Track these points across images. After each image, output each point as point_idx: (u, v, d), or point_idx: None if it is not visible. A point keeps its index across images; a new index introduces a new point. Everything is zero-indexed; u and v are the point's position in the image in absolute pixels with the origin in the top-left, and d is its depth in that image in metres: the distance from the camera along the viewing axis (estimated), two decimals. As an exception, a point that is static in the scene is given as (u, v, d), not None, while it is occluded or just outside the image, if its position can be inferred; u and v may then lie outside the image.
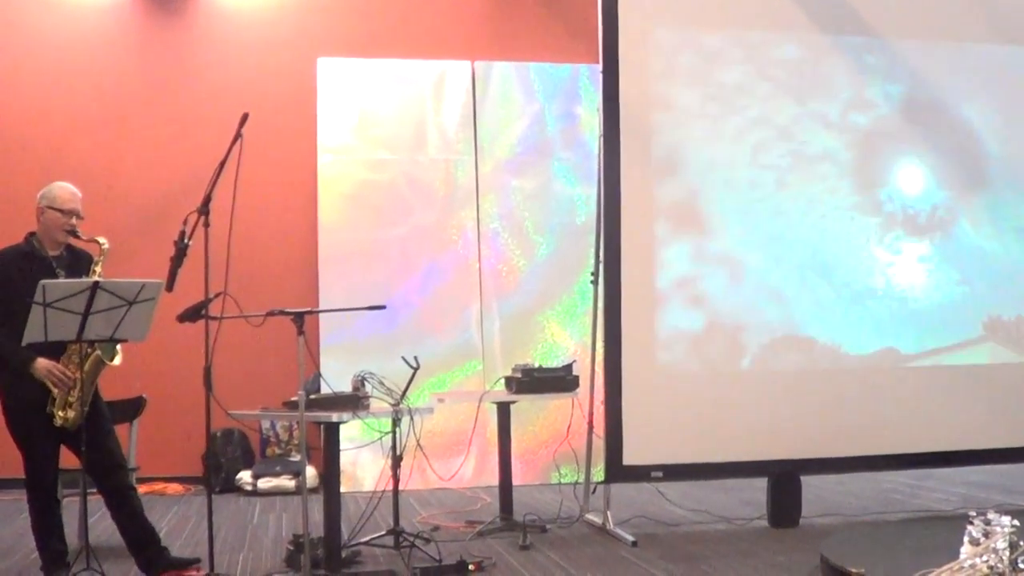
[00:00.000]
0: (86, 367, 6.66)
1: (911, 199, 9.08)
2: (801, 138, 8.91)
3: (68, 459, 6.95)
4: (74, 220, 6.87)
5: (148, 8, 11.51)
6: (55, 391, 6.62)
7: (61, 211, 6.84)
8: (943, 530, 7.42)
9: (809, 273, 8.88)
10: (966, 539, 5.28)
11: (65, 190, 6.92)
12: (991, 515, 5.22)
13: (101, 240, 6.90)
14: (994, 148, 9.23)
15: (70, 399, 6.63)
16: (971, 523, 5.23)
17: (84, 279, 6.43)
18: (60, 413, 6.62)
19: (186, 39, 11.58)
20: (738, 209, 8.78)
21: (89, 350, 6.66)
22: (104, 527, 8.48)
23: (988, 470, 10.41)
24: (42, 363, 6.55)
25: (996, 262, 9.21)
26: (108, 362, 6.78)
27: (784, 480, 8.64)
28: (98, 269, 6.85)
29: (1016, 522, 5.00)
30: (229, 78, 11.48)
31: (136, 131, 11.38)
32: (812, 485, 9.02)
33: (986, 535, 5.16)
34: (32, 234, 6.89)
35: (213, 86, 11.46)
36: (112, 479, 6.94)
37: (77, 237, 6.88)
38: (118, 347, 6.79)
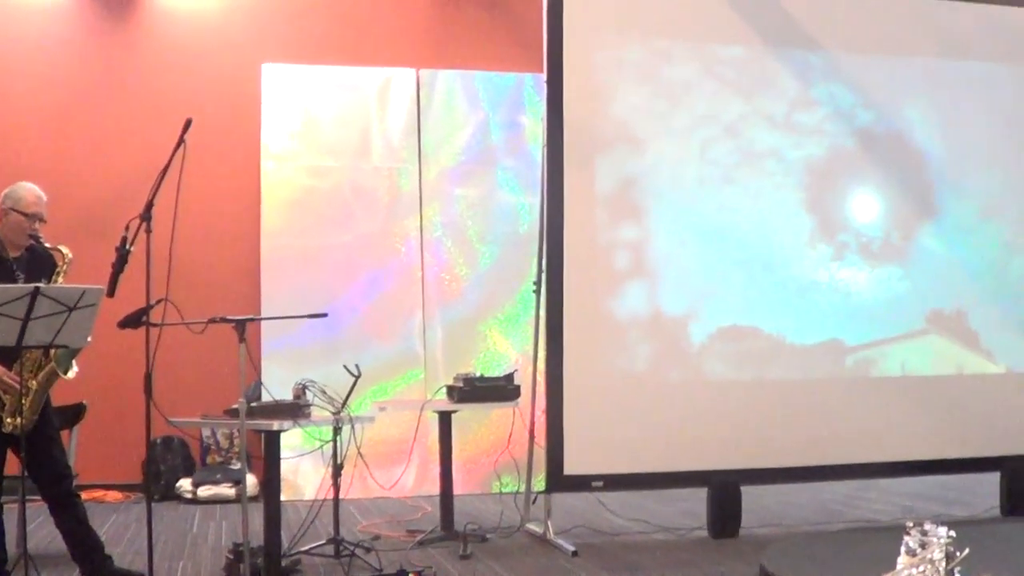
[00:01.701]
0: (39, 377, 6.61)
1: (854, 197, 9.19)
2: (747, 136, 8.99)
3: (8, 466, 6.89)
4: (37, 224, 6.81)
5: (92, 12, 11.42)
6: (4, 397, 6.55)
7: (25, 214, 6.78)
8: (881, 541, 7.46)
9: (754, 273, 8.95)
10: (903, 549, 5.31)
11: (31, 192, 6.84)
12: (928, 526, 5.25)
13: (65, 250, 6.87)
14: (934, 150, 9.38)
15: (21, 405, 6.56)
16: (908, 534, 5.26)
17: (22, 285, 6.35)
18: (9, 420, 6.55)
19: (130, 43, 11.50)
20: (685, 218, 8.82)
21: (44, 360, 6.62)
22: (43, 535, 8.42)
23: (928, 481, 10.51)
24: None
25: (937, 259, 9.31)
26: (62, 375, 6.73)
27: (724, 490, 8.67)
28: (60, 280, 6.80)
29: (952, 533, 5.03)
30: (173, 83, 11.41)
31: (78, 135, 11.29)
32: (752, 495, 9.05)
33: (923, 546, 5.18)
34: None
35: (157, 91, 11.38)
36: (57, 486, 6.87)
37: (39, 242, 6.82)
38: (74, 361, 6.75)
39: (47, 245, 6.86)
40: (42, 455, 6.72)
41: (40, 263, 6.86)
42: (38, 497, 6.96)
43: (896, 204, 9.33)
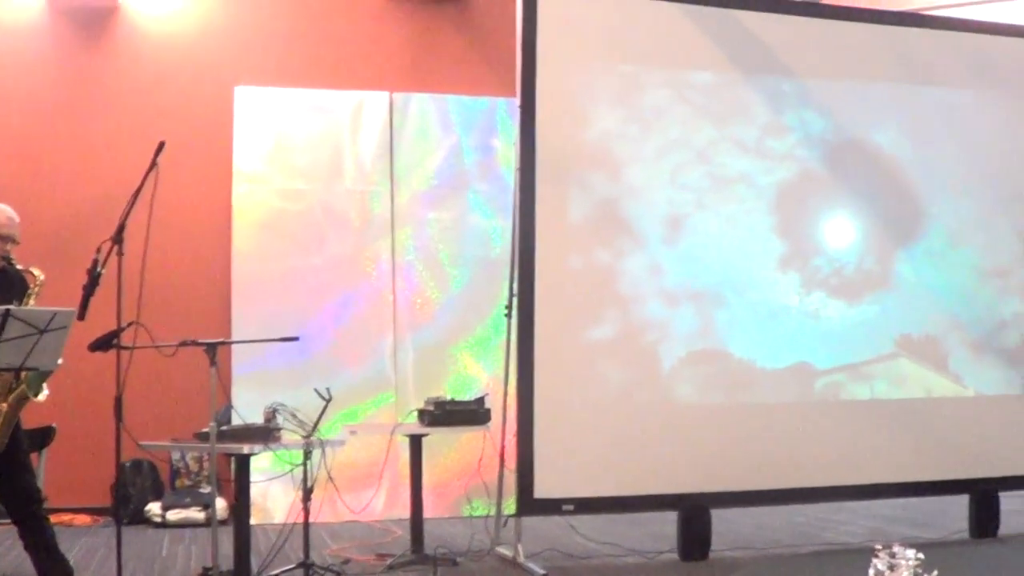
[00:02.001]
0: (9, 399, 6.60)
1: (824, 223, 9.26)
2: (718, 161, 9.04)
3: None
4: (9, 246, 6.78)
5: (65, 33, 11.41)
6: None
7: None
8: (850, 563, 7.50)
9: (724, 297, 8.98)
10: (872, 572, 5.33)
11: (2, 213, 6.80)
12: (896, 548, 5.27)
13: (37, 272, 6.86)
14: (905, 176, 9.44)
15: (-10, 429, 6.55)
16: (877, 556, 5.28)
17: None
18: (-21, 443, 6.54)
19: (103, 65, 11.49)
20: (656, 241, 8.86)
21: (14, 383, 6.60)
22: (12, 558, 8.41)
23: (897, 504, 10.57)
24: None
25: (907, 284, 9.37)
26: (33, 397, 6.70)
27: (694, 513, 8.68)
28: (31, 302, 6.78)
29: (921, 555, 5.05)
30: (146, 105, 11.40)
31: (51, 156, 11.26)
32: (723, 518, 9.07)
33: (892, 568, 5.20)
34: None
35: (130, 113, 11.37)
36: (27, 509, 6.84)
37: (11, 264, 6.80)
38: (45, 384, 6.73)
39: (19, 267, 6.84)
40: (12, 478, 6.70)
41: (11, 285, 6.83)
42: (7, 520, 6.93)
43: (866, 229, 9.37)
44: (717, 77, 9.07)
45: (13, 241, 6.81)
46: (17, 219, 6.86)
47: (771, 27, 9.21)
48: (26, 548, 6.92)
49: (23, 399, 6.67)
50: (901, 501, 10.44)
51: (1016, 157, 9.70)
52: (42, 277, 6.86)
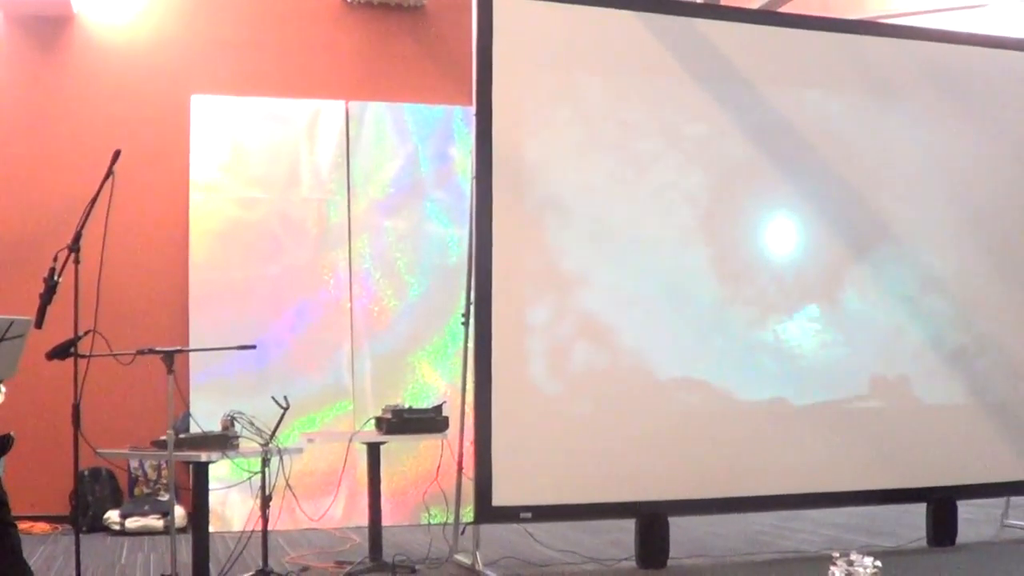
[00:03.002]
0: None
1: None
2: (671, 167, 9.08)
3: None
4: None
5: (19, 41, 11.36)
6: None
7: None
8: (808, 571, 7.56)
9: (677, 300, 9.01)
10: (829, 579, 5.37)
11: None
12: (854, 556, 5.31)
13: None
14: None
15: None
16: (835, 564, 5.32)
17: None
18: (-60, 450, 6.50)
19: (58, 73, 11.45)
20: (612, 251, 8.88)
21: None
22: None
23: (855, 512, 10.61)
24: None
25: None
26: None
27: (652, 521, 8.70)
28: None
29: (879, 563, 5.10)
30: (102, 114, 11.37)
31: (6, 166, 11.21)
32: (680, 526, 9.09)
33: (849, 575, 5.25)
34: None
35: (85, 122, 11.33)
36: None
37: None
38: (1, 386, 6.69)
39: None
40: None
41: None
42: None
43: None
44: (672, 84, 9.09)
45: None
46: None
47: (727, 35, 9.24)
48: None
49: (-21, 401, 6.64)
50: (859, 509, 10.47)
51: (975, 170, 9.78)
52: None
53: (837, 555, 5.37)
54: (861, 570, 5.25)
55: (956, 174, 9.73)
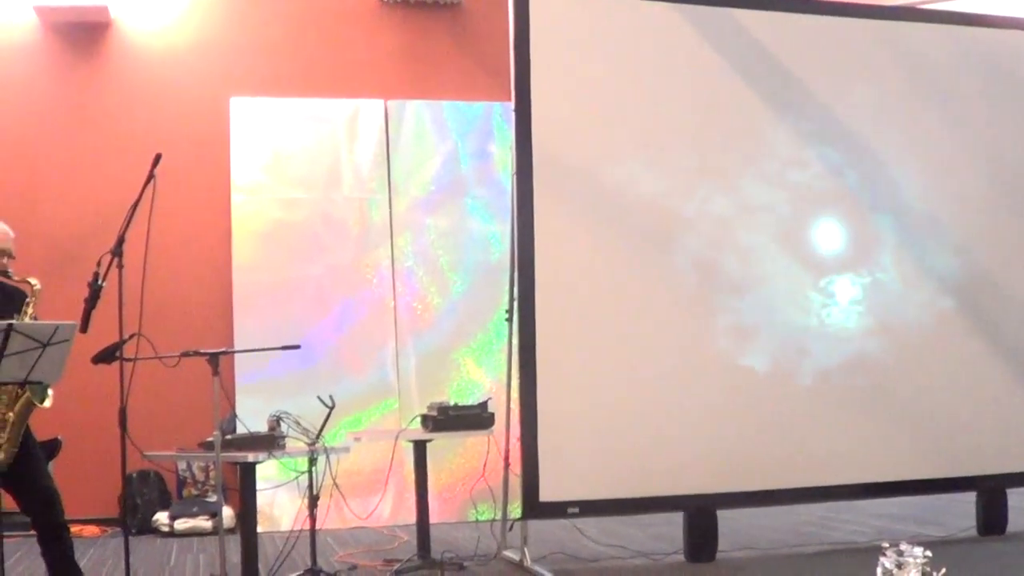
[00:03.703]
0: (16, 408, 6.60)
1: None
2: (721, 163, 9.05)
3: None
4: (5, 260, 6.79)
5: (60, 47, 11.43)
6: None
7: None
8: (857, 562, 7.51)
9: (727, 299, 8.96)
10: (879, 571, 5.33)
11: None
12: (904, 546, 5.27)
13: (33, 281, 6.84)
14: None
15: (0, 440, 6.54)
16: (884, 555, 5.28)
17: (-3, 321, 6.34)
18: (-10, 454, 6.54)
19: (98, 78, 11.52)
20: (654, 242, 8.85)
21: (19, 391, 6.60)
22: (21, 571, 8.41)
23: (904, 502, 10.56)
24: None
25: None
26: (39, 404, 6.70)
27: (700, 515, 8.67)
28: (30, 311, 6.78)
29: (929, 553, 5.06)
30: (142, 118, 11.43)
31: (48, 171, 11.29)
32: (728, 519, 9.07)
33: (899, 566, 5.20)
34: None
35: (126, 126, 11.39)
36: (48, 515, 6.82)
37: (8, 277, 6.80)
38: (49, 390, 6.73)
39: (15, 279, 6.84)
40: (29, 483, 6.71)
41: (10, 299, 6.83)
42: (16, 533, 6.94)
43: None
44: (711, 76, 9.05)
45: (9, 255, 6.80)
46: (12, 234, 6.87)
47: (766, 24, 9.17)
48: (43, 555, 6.91)
49: (29, 406, 6.66)
50: (907, 499, 10.42)
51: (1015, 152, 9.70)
52: (38, 286, 6.85)
53: (887, 545, 5.34)
54: (911, 560, 5.21)
55: (996, 159, 9.65)
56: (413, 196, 11.74)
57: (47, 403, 6.75)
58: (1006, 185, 9.63)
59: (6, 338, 6.05)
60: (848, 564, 8.09)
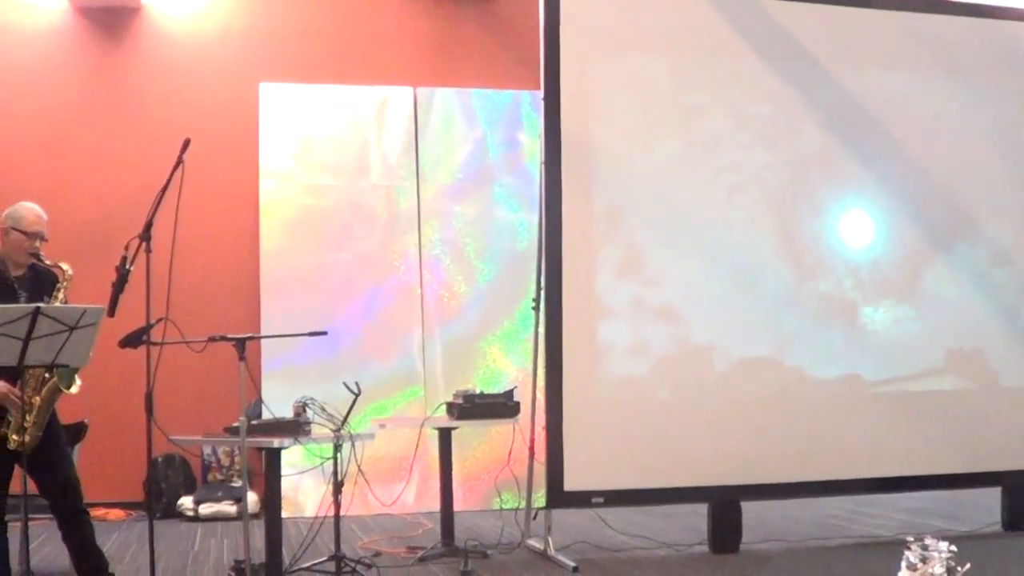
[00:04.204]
0: (43, 393, 6.62)
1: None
2: (749, 152, 9.02)
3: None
4: (38, 243, 6.80)
5: (89, 33, 11.46)
6: (13, 413, 6.54)
7: (26, 233, 6.76)
8: (881, 556, 7.49)
9: (749, 290, 8.95)
10: (903, 564, 5.31)
11: (31, 211, 6.83)
12: (929, 540, 5.24)
13: (65, 267, 6.85)
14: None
15: (25, 423, 6.56)
16: (909, 548, 5.26)
17: (23, 304, 6.33)
18: (14, 437, 6.53)
19: (128, 64, 11.55)
20: (681, 233, 8.83)
21: (47, 376, 6.62)
22: (46, 552, 8.46)
23: (929, 496, 10.51)
24: (1, 385, 6.49)
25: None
26: (65, 390, 6.71)
27: (725, 506, 8.67)
28: (61, 295, 6.79)
29: (954, 547, 5.03)
30: (171, 103, 11.46)
31: (77, 156, 11.33)
32: (753, 511, 9.06)
33: (923, 560, 5.18)
34: None
35: (155, 111, 11.42)
36: (66, 501, 6.84)
37: (40, 261, 6.82)
38: (76, 376, 6.74)
39: (48, 263, 6.86)
40: (51, 469, 6.73)
41: (42, 281, 6.85)
42: (41, 515, 6.95)
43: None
44: (739, 65, 9.02)
45: (42, 238, 6.83)
46: (45, 217, 6.88)
47: (793, 14, 9.14)
48: (64, 540, 6.92)
49: (56, 391, 6.68)
50: (932, 494, 10.38)
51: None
52: (70, 271, 6.86)
53: (911, 539, 5.31)
54: (936, 555, 5.19)
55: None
56: (441, 184, 11.74)
57: (74, 390, 6.76)
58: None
59: (33, 321, 6.06)
60: (873, 557, 8.07)
